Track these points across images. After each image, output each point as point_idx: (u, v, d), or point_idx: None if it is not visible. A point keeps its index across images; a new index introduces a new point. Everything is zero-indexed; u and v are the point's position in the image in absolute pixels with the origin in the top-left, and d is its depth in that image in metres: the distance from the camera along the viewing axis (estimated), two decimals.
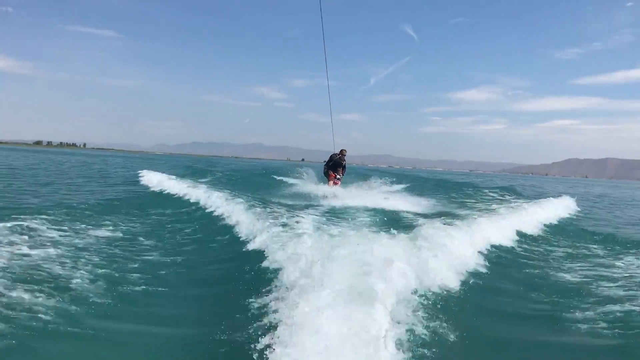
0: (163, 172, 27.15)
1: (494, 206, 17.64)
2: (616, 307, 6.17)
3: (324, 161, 22.24)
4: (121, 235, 9.67)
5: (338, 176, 21.34)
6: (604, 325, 5.56)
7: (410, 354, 4.31)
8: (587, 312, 6.04)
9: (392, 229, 8.77)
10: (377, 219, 12.77)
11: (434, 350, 4.50)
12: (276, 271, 6.41)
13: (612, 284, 7.50)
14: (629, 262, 9.41)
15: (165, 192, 18.29)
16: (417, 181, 43.22)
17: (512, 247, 10.42)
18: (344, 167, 21.70)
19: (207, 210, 13.18)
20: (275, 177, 30.55)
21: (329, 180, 21.42)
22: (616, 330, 5.40)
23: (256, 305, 5.35)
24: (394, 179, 32.58)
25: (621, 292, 6.95)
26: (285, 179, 28.69)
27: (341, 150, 21.45)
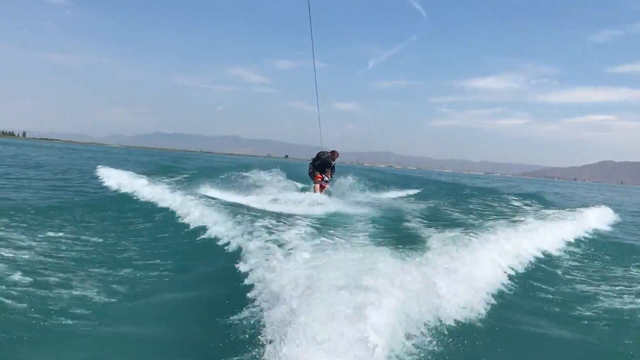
0: (125, 170, 27.43)
1: (518, 217, 17.94)
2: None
3: (311, 159, 22.32)
4: (70, 241, 10.00)
5: (325, 178, 21.53)
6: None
7: None
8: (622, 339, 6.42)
9: (396, 245, 9.21)
10: (378, 230, 13.05)
11: None
12: (255, 284, 6.84)
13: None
14: None
15: (128, 193, 18.77)
16: (425, 184, 43.78)
17: (541, 265, 10.78)
18: (332, 168, 21.91)
19: (177, 214, 13.71)
20: (246, 173, 30.56)
21: (314, 183, 21.55)
22: None
23: (236, 321, 5.78)
24: (394, 182, 32.37)
25: None
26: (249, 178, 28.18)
27: (333, 152, 21.63)
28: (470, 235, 11.01)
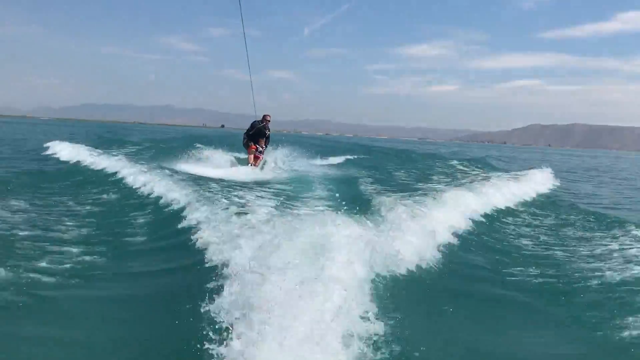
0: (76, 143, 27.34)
1: (468, 180, 19.27)
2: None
3: (244, 135, 21.89)
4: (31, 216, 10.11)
5: (259, 148, 21.41)
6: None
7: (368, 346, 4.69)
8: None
9: (350, 207, 9.32)
10: (329, 196, 13.90)
11: (394, 339, 4.93)
12: (218, 259, 6.75)
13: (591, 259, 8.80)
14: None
15: (82, 165, 19.42)
16: (361, 152, 44.88)
17: (489, 223, 11.90)
18: (267, 138, 21.77)
19: (135, 188, 13.88)
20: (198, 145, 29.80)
21: (248, 154, 21.48)
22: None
23: (204, 299, 5.25)
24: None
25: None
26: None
27: (264, 116, 21.34)
28: (423, 197, 12.18)
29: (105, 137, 44.42)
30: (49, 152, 25.98)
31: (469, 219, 11.42)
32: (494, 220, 12.53)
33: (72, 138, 36.15)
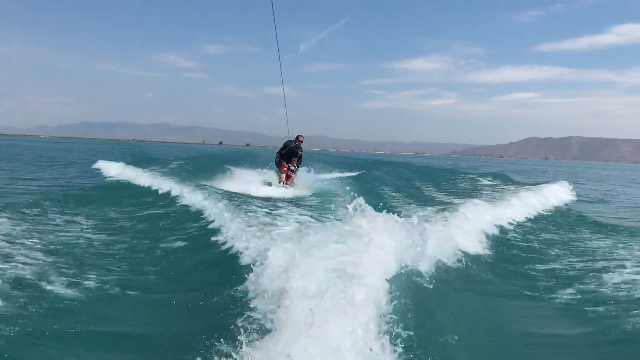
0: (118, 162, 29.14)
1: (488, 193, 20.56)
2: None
3: (277, 154, 22.42)
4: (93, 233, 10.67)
5: (292, 167, 21.76)
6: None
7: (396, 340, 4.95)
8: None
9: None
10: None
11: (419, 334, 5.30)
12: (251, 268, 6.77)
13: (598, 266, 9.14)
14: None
15: (131, 182, 20.52)
16: (370, 167, 46.12)
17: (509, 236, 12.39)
18: (299, 158, 22.15)
19: (181, 205, 14.53)
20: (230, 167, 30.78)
21: (280, 172, 21.67)
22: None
23: (236, 304, 5.90)
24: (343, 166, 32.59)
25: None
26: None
27: (297, 137, 21.85)
28: (447, 208, 13.34)
29: (136, 155, 46.60)
30: (97, 167, 28.51)
31: (498, 228, 12.47)
32: (524, 228, 13.58)
33: (105, 157, 37.70)
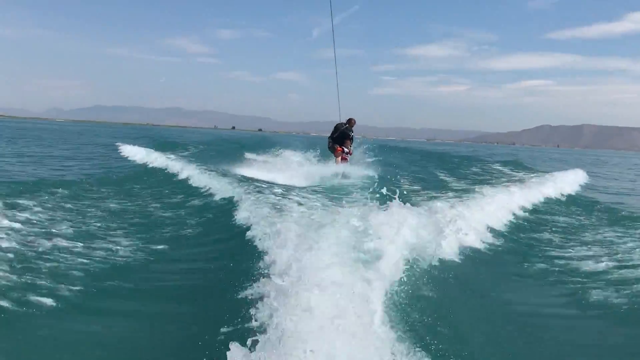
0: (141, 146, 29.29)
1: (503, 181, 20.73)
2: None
3: (329, 139, 21.97)
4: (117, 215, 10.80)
5: (345, 150, 21.54)
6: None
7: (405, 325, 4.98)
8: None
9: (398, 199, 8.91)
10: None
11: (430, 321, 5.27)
12: (265, 256, 6.69)
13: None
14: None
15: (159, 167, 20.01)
16: (392, 153, 45.80)
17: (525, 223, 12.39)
18: (352, 139, 21.93)
19: (202, 191, 14.12)
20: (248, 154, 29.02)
21: (335, 156, 21.45)
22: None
23: (248, 292, 5.64)
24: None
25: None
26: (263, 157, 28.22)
27: (349, 120, 21.59)
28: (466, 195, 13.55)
29: (161, 140, 46.99)
30: (123, 154, 28.28)
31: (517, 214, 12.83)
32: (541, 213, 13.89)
33: (125, 141, 37.85)
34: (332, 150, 21.68)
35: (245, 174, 17.11)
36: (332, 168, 20.07)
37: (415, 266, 6.81)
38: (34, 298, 5.52)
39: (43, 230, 8.54)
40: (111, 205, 11.90)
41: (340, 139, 21.48)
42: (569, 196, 17.90)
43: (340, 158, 21.25)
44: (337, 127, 21.62)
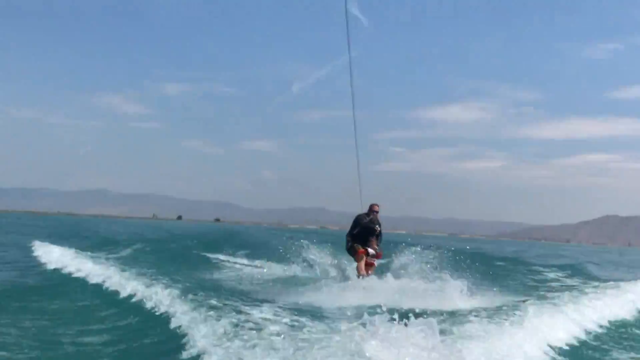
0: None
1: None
2: None
3: (347, 237, 21.90)
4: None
5: (371, 251, 21.05)
6: None
7: None
8: None
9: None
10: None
11: None
12: None
13: None
14: None
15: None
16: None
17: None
18: (378, 235, 21.42)
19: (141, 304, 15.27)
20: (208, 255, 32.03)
21: (357, 260, 20.96)
22: None
23: None
24: None
25: None
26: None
27: (371, 207, 21.37)
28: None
29: (83, 235, 47.43)
30: (36, 253, 29.50)
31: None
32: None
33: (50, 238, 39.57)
34: (353, 252, 21.30)
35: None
36: (356, 283, 19.47)
37: None
38: None
39: None
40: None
41: (362, 236, 21.08)
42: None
43: (363, 263, 20.82)
44: (358, 220, 21.26)
